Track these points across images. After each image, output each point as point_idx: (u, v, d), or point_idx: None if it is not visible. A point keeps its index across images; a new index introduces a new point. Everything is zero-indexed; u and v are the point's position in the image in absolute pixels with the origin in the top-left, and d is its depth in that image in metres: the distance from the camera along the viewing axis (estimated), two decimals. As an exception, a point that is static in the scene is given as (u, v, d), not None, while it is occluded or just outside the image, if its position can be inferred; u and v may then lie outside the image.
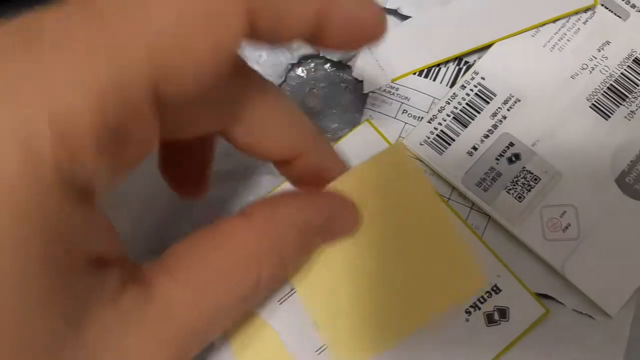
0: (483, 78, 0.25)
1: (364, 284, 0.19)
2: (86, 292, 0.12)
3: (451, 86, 0.26)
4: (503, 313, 0.22)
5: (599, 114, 0.25)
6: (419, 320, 0.19)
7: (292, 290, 0.21)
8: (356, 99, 0.27)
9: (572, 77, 0.25)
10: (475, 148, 0.25)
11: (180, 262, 0.15)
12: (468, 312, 0.22)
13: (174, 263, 0.15)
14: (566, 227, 0.24)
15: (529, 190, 0.24)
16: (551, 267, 0.24)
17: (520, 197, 0.24)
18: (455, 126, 0.25)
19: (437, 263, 0.19)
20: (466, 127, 0.25)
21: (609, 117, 0.25)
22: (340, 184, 0.19)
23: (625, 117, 0.24)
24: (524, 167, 0.24)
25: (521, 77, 0.25)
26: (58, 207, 0.10)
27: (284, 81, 0.27)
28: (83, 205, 0.11)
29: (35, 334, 0.10)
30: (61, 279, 0.11)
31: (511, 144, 0.25)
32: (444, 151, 0.25)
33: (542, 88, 0.25)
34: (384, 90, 0.26)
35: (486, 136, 0.25)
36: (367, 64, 0.27)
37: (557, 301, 0.24)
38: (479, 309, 0.22)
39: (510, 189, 0.24)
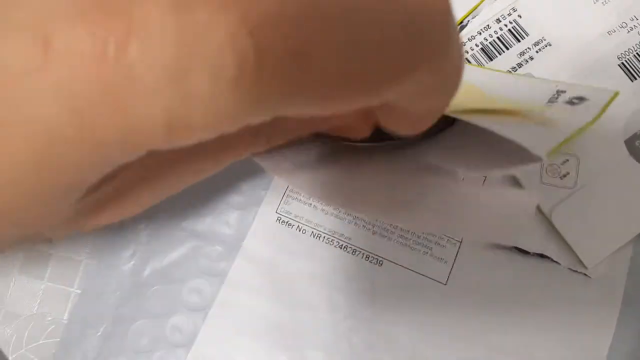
0: (520, 16, 0.25)
1: None
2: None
3: (487, 19, 0.26)
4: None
5: (627, 74, 0.24)
6: None
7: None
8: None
9: (608, 32, 0.25)
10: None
11: None
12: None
13: None
14: (564, 175, 0.24)
15: (538, 133, 0.24)
16: (543, 216, 0.24)
17: (527, 137, 0.24)
18: (481, 57, 0.25)
19: None
20: (491, 59, 0.25)
21: (635, 79, 0.24)
22: None
23: (652, 82, 0.24)
24: (538, 110, 0.24)
25: (558, 23, 0.25)
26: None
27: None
28: None
29: None
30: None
31: (531, 85, 0.25)
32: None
33: (576, 38, 0.25)
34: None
35: (509, 72, 0.25)
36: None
37: (553, 260, 0.24)
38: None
39: (519, 127, 0.24)
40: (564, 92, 0.20)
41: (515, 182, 0.24)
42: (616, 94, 0.20)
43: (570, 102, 0.19)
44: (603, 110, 0.19)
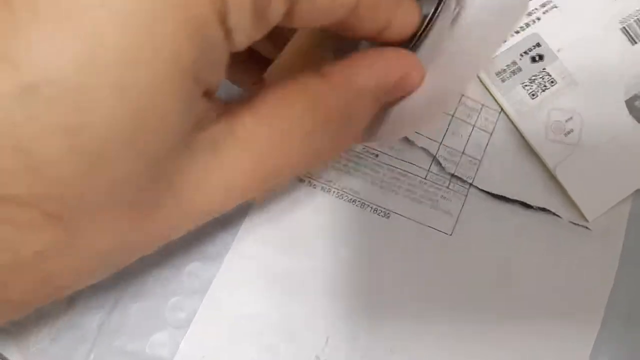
0: (528, -22, 0.26)
1: None
2: (197, 116, 0.13)
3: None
4: None
5: (628, 37, 0.25)
6: None
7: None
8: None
9: (612, -2, 0.26)
10: (503, 40, 0.26)
11: (264, 105, 0.15)
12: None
13: (259, 105, 0.15)
14: (569, 132, 0.25)
15: (544, 91, 0.25)
16: (547, 172, 0.25)
17: (533, 95, 0.25)
18: (490, 16, 0.26)
19: None
20: (500, 19, 0.26)
21: (636, 42, 0.25)
22: None
23: (651, 46, 0.25)
24: (544, 69, 0.25)
25: (564, -14, 0.26)
26: (203, 50, 0.11)
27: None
28: (220, 49, 0.12)
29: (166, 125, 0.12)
30: (187, 100, 0.12)
31: (538, 45, 0.25)
32: (473, 37, 0.26)
33: (582, 1, 0.26)
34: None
35: (517, 32, 0.26)
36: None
37: (555, 214, 0.24)
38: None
39: (526, 85, 0.25)
40: None
41: None
42: None
43: None
44: None
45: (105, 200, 0.11)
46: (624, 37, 0.25)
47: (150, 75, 0.10)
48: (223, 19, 0.11)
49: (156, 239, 0.14)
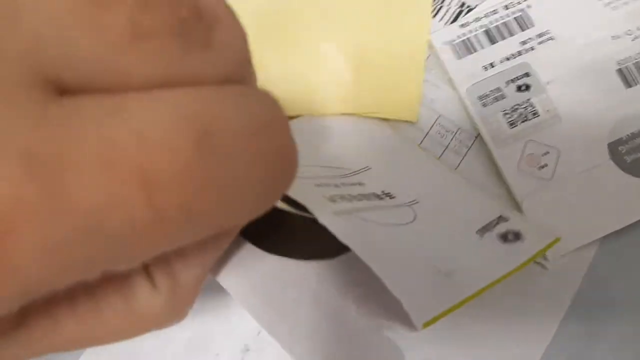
0: (529, 6, 0.26)
1: None
2: None
3: (497, 5, 0.26)
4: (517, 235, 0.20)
5: (622, 80, 0.24)
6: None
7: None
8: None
9: (613, 37, 0.25)
10: (492, 65, 0.25)
11: None
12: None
13: None
14: (543, 166, 0.24)
15: (524, 122, 0.24)
16: (514, 203, 0.24)
17: (512, 124, 0.25)
18: (483, 39, 0.25)
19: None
20: (493, 43, 0.25)
21: (631, 86, 0.24)
22: None
23: (646, 92, 0.24)
24: (529, 99, 0.25)
25: (565, 19, 0.25)
26: None
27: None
28: None
29: None
30: None
31: (527, 74, 0.25)
32: (462, 57, 0.25)
33: (580, 36, 0.25)
34: (434, -13, 0.27)
35: (507, 59, 0.25)
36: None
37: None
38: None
39: (507, 113, 0.25)
40: (505, 220, 0.19)
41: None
42: (557, 240, 0.20)
43: (504, 237, 0.18)
44: (533, 258, 0.19)
45: None
46: (618, 79, 0.24)
47: None
48: None
49: None
